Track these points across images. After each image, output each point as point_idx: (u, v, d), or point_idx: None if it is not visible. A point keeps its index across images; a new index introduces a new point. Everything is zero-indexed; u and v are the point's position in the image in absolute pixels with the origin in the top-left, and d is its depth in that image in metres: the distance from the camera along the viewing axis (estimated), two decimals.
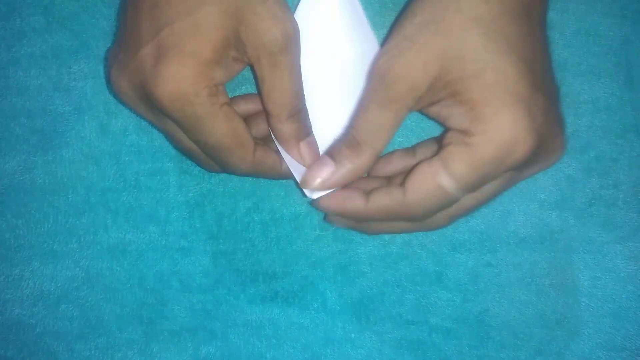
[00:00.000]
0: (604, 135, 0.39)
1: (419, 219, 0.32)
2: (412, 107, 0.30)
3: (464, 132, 0.29)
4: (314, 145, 0.35)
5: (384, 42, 0.33)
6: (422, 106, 0.31)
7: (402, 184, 0.31)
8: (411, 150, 0.36)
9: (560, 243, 0.39)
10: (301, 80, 0.34)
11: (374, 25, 0.38)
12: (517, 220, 0.39)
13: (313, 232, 0.39)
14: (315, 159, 0.34)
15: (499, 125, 0.28)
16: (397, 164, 0.35)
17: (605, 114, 0.39)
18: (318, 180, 0.32)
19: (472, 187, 0.30)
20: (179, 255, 0.40)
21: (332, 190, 0.33)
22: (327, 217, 0.36)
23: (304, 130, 0.34)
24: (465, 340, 0.39)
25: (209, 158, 0.35)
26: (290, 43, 0.32)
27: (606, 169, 0.39)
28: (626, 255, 0.39)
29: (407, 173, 0.31)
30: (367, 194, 0.32)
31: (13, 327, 0.40)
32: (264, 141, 0.36)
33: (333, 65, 0.36)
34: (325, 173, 0.31)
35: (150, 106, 0.33)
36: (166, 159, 0.40)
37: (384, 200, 0.31)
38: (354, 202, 0.32)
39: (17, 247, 0.40)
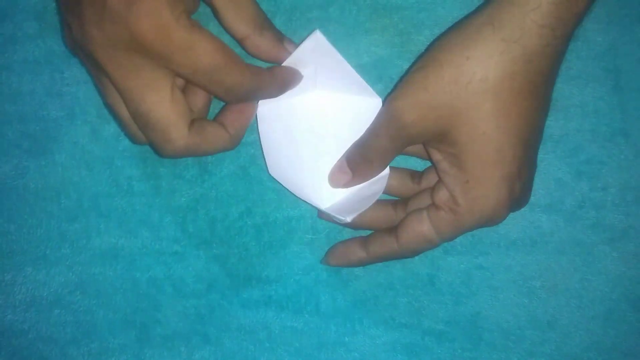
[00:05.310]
0: (592, 139, 0.39)
1: (406, 258, 0.38)
2: (418, 142, 0.35)
3: (453, 199, 0.34)
4: (292, 42, 0.37)
5: (402, 77, 0.35)
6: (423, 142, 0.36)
7: (394, 232, 0.36)
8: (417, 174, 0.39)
9: (550, 245, 0.39)
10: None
11: (366, 30, 0.39)
12: (507, 223, 0.39)
13: (306, 235, 0.39)
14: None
15: (485, 204, 0.34)
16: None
17: (594, 118, 0.39)
18: (342, 183, 0.38)
19: (452, 239, 0.36)
20: (172, 260, 0.40)
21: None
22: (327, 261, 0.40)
23: (280, 35, 0.36)
24: (458, 343, 0.39)
25: (205, 88, 0.34)
26: None
27: (595, 172, 0.39)
28: (615, 257, 0.39)
29: (400, 223, 0.36)
30: (365, 244, 0.37)
31: (5, 333, 0.40)
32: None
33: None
34: (347, 179, 0.37)
35: (129, 53, 0.32)
36: (159, 164, 0.40)
37: (381, 249, 0.37)
38: (357, 255, 0.38)
39: (10, 252, 0.40)
